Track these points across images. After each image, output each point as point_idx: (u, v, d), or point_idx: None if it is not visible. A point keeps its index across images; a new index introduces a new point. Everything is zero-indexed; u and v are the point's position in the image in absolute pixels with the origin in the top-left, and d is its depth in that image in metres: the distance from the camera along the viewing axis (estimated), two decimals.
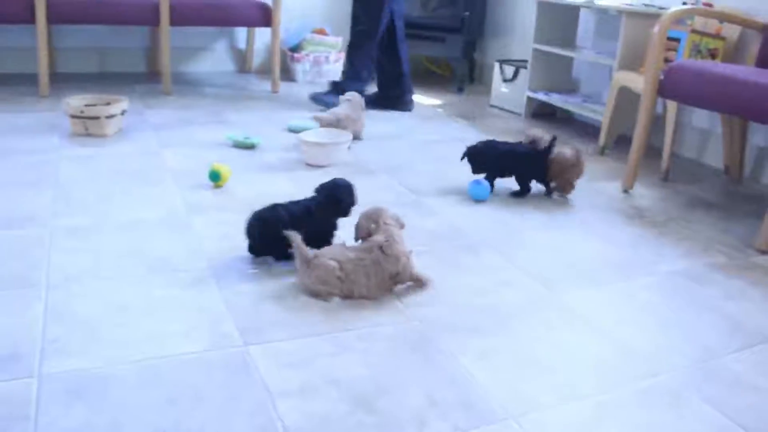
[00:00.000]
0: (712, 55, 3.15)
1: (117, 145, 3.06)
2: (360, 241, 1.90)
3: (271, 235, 1.91)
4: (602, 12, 4.07)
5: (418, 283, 1.91)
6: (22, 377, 1.41)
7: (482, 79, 5.31)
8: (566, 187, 2.75)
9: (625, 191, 2.91)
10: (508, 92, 4.43)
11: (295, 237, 1.82)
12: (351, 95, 3.37)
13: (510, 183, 2.77)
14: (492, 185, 2.71)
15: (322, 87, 4.27)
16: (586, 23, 4.24)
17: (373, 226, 1.88)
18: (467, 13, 4.75)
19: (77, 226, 2.17)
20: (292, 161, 2.99)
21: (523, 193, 2.74)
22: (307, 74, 4.83)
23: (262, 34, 4.91)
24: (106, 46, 4.63)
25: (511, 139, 2.87)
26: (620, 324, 1.81)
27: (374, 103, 4.15)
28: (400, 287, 1.89)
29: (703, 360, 1.66)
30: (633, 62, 3.49)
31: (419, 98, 4.52)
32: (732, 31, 3.17)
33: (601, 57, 3.76)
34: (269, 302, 1.78)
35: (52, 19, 3.78)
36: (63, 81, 4.24)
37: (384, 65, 4.11)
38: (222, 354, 1.54)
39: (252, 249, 2.00)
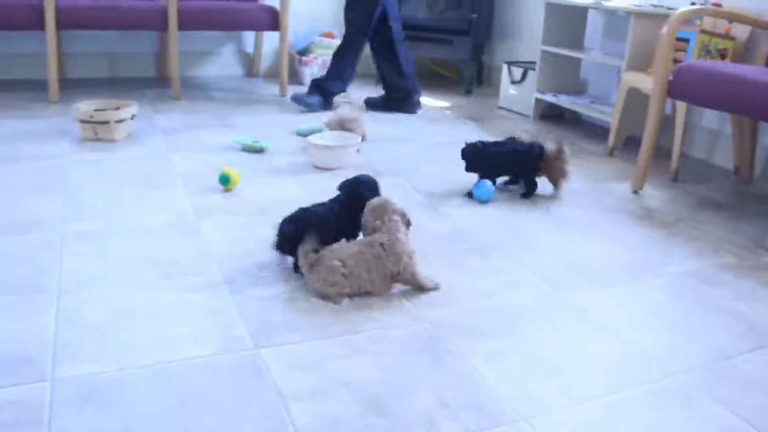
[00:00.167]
0: (722, 55, 3.14)
1: (126, 149, 3.08)
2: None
3: (300, 238, 1.92)
4: (610, 13, 4.06)
5: (422, 290, 1.91)
6: (35, 382, 1.42)
7: (490, 81, 5.30)
8: (557, 182, 2.77)
9: (635, 192, 2.90)
10: (516, 94, 4.43)
11: (306, 243, 1.84)
12: (348, 97, 3.38)
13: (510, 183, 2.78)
14: (494, 182, 2.72)
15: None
16: (594, 24, 4.24)
17: (378, 222, 1.88)
18: (475, 15, 4.75)
19: (87, 230, 2.19)
20: (301, 164, 3.00)
21: (529, 193, 2.75)
22: (315, 77, 4.83)
23: (270, 38, 4.93)
24: (115, 52, 4.65)
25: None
26: (630, 325, 1.80)
27: (379, 105, 4.17)
28: (406, 288, 1.90)
29: (714, 361, 1.66)
30: (642, 63, 3.48)
31: (428, 100, 4.53)
32: (742, 31, 3.15)
33: (610, 58, 3.75)
34: (280, 305, 1.79)
35: (62, 24, 3.80)
36: (72, 86, 4.26)
37: (384, 68, 4.13)
38: (233, 357, 1.55)
39: (279, 246, 2.00)
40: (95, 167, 2.80)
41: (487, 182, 2.67)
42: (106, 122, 3.13)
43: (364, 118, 3.38)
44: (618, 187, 2.96)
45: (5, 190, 2.48)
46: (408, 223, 1.93)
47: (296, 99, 4.00)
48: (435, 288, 1.92)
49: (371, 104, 4.16)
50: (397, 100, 4.15)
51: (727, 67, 2.60)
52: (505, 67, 4.51)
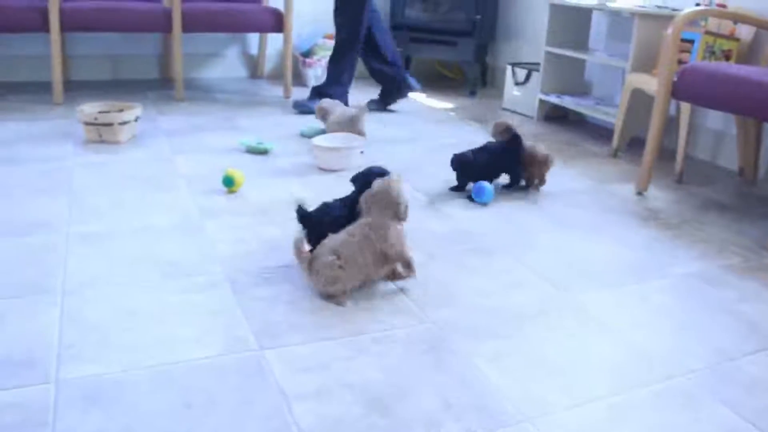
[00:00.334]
0: (726, 56, 3.13)
1: (130, 151, 3.09)
2: None
3: (316, 235, 1.94)
4: (615, 14, 4.06)
5: (409, 269, 1.90)
6: (40, 383, 1.42)
7: (494, 83, 5.30)
8: (534, 183, 2.86)
9: (639, 193, 2.90)
10: (520, 95, 4.43)
11: (296, 243, 1.84)
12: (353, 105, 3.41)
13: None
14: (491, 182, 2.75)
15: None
16: (598, 25, 4.23)
17: (371, 207, 1.90)
18: (479, 17, 4.75)
19: (91, 232, 2.19)
20: (305, 166, 3.00)
21: (512, 183, 2.85)
22: (319, 79, 4.83)
23: (274, 40, 4.94)
24: (118, 54, 4.66)
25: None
26: (634, 326, 1.80)
27: (377, 103, 4.20)
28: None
29: (718, 362, 1.65)
30: (646, 64, 3.48)
31: (432, 102, 4.53)
32: (746, 32, 3.15)
33: (614, 59, 3.75)
34: (284, 306, 1.79)
35: (66, 27, 3.81)
36: (76, 88, 4.27)
37: (374, 68, 4.14)
38: (237, 358, 1.55)
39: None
40: (99, 169, 2.80)
41: (485, 185, 2.67)
42: (110, 124, 3.14)
43: (364, 119, 3.38)
44: (622, 188, 2.95)
45: (10, 192, 2.48)
46: (404, 211, 1.91)
47: (298, 105, 4.01)
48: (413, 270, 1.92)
49: (373, 107, 4.17)
50: (391, 92, 4.17)
51: (732, 68, 2.60)
52: (509, 68, 4.50)
